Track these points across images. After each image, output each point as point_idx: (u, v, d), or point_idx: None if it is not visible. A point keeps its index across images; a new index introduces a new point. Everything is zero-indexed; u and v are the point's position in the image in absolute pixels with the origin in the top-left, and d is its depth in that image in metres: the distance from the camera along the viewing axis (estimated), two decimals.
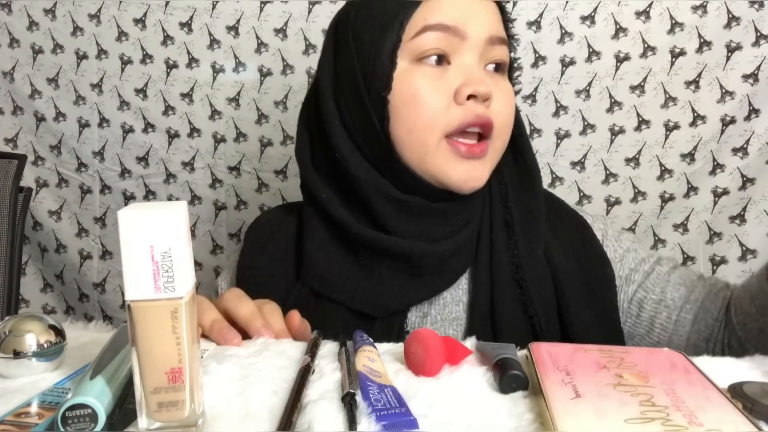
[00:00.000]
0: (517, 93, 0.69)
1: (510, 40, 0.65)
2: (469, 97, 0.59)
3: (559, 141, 1.18)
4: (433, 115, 0.59)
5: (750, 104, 1.11)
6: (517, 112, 0.67)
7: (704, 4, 1.10)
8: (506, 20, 0.65)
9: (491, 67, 0.63)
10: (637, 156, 1.17)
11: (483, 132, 0.61)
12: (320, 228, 0.65)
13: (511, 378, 0.43)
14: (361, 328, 0.54)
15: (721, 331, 0.63)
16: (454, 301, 0.65)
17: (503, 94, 0.62)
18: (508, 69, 0.66)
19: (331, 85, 0.64)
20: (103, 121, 1.30)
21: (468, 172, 0.61)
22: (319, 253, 0.64)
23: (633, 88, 1.15)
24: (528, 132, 1.07)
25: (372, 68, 0.60)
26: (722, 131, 1.13)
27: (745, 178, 1.13)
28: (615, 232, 0.72)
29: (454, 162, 0.60)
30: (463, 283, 0.65)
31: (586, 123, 1.17)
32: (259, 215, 0.79)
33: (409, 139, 0.60)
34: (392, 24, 0.60)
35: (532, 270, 0.64)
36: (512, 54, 0.66)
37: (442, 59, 0.60)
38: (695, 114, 1.13)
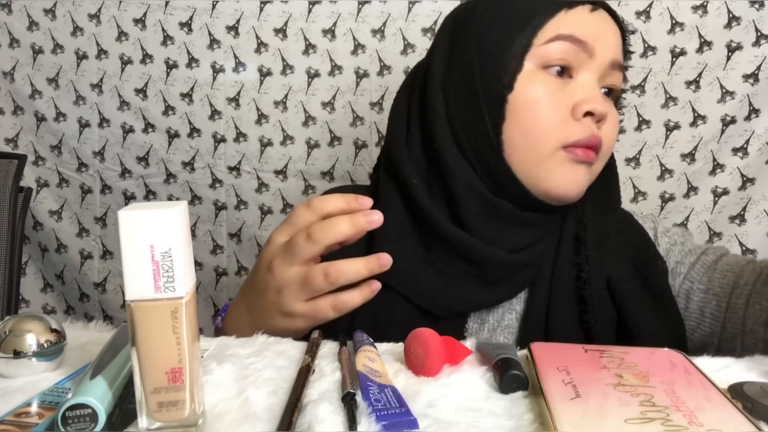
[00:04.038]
0: (620, 122, 0.69)
1: (625, 71, 0.65)
2: (586, 114, 0.59)
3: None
4: (551, 124, 0.59)
5: (750, 104, 1.11)
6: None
7: (704, 3, 1.10)
8: (626, 50, 0.65)
9: (605, 90, 0.63)
10: (637, 156, 1.17)
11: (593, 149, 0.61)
12: (399, 216, 0.64)
13: (511, 378, 0.43)
14: (424, 326, 0.54)
15: None
16: (508, 310, 0.65)
17: (612, 120, 0.63)
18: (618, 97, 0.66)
19: (442, 76, 0.64)
20: (104, 121, 1.30)
21: (578, 177, 0.61)
22: (392, 244, 0.61)
23: (633, 88, 1.15)
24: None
25: (494, 66, 0.60)
26: (722, 131, 1.13)
27: (745, 178, 1.13)
28: (663, 228, 0.73)
29: (569, 168, 0.60)
30: (522, 293, 0.65)
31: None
32: (330, 190, 0.75)
33: (524, 142, 0.60)
34: (524, 27, 0.60)
35: (599, 288, 0.63)
36: (624, 84, 0.66)
37: (564, 71, 0.61)
38: (695, 114, 1.13)
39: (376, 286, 0.55)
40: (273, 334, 0.55)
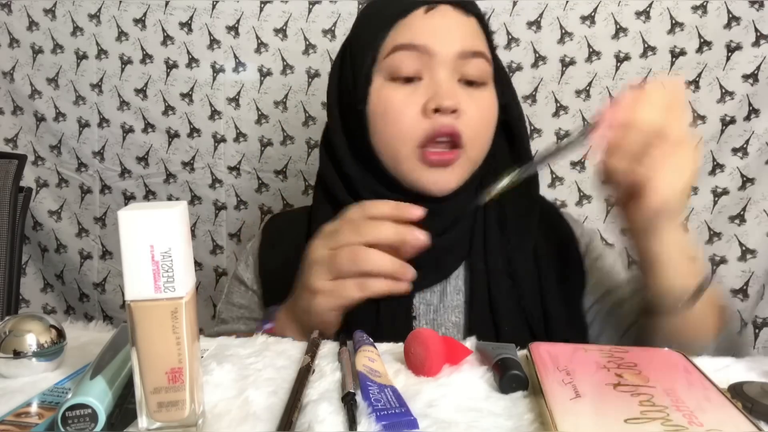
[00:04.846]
0: (512, 100, 0.71)
1: (493, 53, 0.69)
2: (437, 110, 0.63)
3: (559, 141, 1.18)
4: (402, 128, 0.64)
5: (750, 104, 1.11)
6: (519, 118, 0.72)
7: (704, 4, 1.10)
8: (487, 34, 0.69)
9: (466, 80, 0.66)
10: None
11: (453, 141, 0.64)
12: (328, 215, 0.68)
13: (511, 378, 0.43)
14: (368, 310, 0.58)
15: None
16: (454, 291, 0.69)
17: (476, 106, 0.66)
18: (495, 79, 0.69)
19: (337, 98, 0.72)
20: (103, 121, 1.30)
21: (436, 178, 0.65)
22: None
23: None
24: (528, 132, 1.08)
25: (354, 84, 0.67)
26: (722, 131, 1.13)
27: (744, 178, 1.13)
28: (585, 241, 0.76)
29: (422, 170, 0.65)
30: (462, 274, 0.70)
31: (586, 123, 1.17)
32: (273, 216, 0.86)
33: (386, 149, 0.66)
34: (372, 44, 0.66)
35: (522, 263, 0.69)
36: (494, 65, 0.68)
37: (413, 77, 0.65)
38: (695, 114, 1.13)
39: (405, 287, 0.59)
40: (305, 323, 0.59)
